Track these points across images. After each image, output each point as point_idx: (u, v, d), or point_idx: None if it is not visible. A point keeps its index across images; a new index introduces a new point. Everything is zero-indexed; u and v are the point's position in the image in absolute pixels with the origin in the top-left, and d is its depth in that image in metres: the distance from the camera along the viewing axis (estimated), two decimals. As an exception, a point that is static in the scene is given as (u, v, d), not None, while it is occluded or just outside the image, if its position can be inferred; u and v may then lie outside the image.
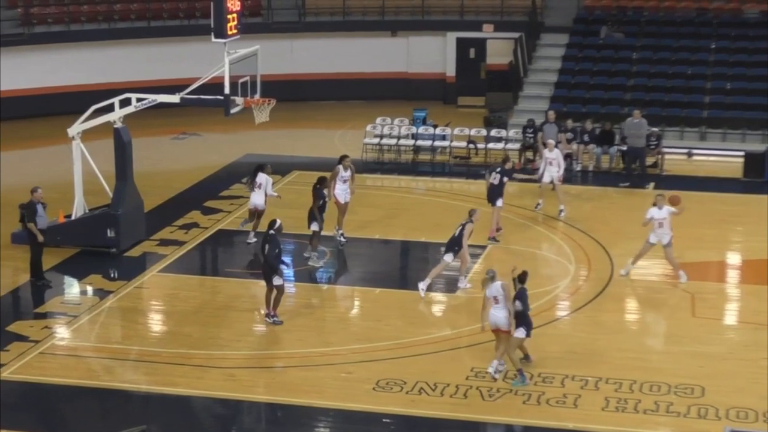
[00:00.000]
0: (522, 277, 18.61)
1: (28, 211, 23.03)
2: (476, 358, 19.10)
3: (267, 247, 20.48)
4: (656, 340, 20.43)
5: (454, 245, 22.30)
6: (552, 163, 27.52)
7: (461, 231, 22.32)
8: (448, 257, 22.45)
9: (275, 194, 25.66)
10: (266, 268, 20.64)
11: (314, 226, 24.05)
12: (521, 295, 18.36)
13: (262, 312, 21.03)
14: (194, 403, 17.98)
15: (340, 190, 24.99)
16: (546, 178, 27.49)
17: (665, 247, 23.01)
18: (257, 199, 25.17)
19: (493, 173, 25.37)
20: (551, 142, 28.50)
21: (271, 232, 20.66)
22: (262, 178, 25.16)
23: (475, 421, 17.25)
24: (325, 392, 18.11)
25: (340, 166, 25.08)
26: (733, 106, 35.25)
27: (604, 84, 36.95)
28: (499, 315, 18.25)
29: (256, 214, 25.30)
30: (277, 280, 20.55)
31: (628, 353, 19.57)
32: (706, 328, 20.81)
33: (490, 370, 18.31)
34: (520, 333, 18.24)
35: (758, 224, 27.14)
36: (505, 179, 25.49)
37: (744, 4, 39.55)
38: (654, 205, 23.20)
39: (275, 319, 20.73)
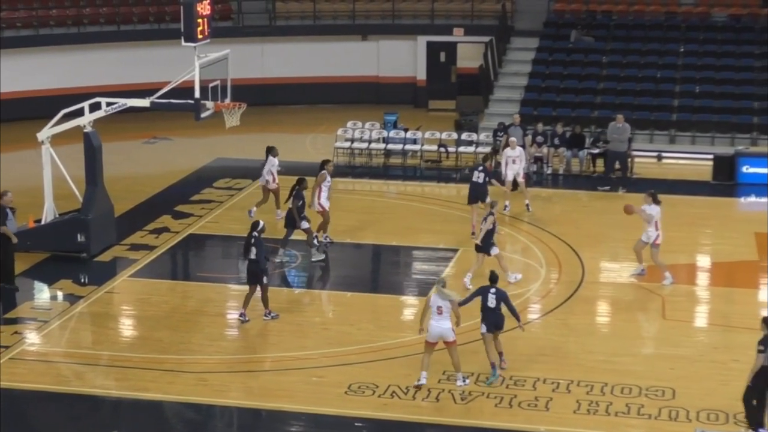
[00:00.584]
0: (492, 278, 18.65)
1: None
2: (448, 363, 19.08)
3: (254, 249, 20.76)
4: (627, 342, 20.49)
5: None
6: (515, 162, 27.88)
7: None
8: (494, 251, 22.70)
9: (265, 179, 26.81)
10: (255, 268, 20.85)
11: (304, 225, 24.11)
12: (499, 296, 18.58)
13: (241, 312, 21.11)
14: (166, 408, 17.91)
15: (326, 197, 24.91)
16: (509, 176, 27.70)
17: (651, 247, 23.23)
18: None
19: (476, 172, 25.48)
20: (513, 140, 28.77)
21: (256, 234, 20.94)
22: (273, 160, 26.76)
23: (448, 425, 17.25)
24: (297, 396, 18.09)
25: (326, 172, 24.94)
26: (701, 110, 35.46)
27: (574, 87, 37.10)
28: (444, 326, 18.01)
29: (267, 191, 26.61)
30: (265, 279, 20.89)
31: (599, 356, 19.64)
32: (676, 331, 20.92)
33: (459, 383, 18.30)
34: (482, 328, 18.53)
35: (727, 227, 27.34)
36: (488, 178, 25.63)
37: (712, 8, 39.82)
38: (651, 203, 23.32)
39: (273, 315, 21.04)
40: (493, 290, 18.73)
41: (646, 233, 23.15)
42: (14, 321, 21.26)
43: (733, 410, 17.39)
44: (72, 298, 22.43)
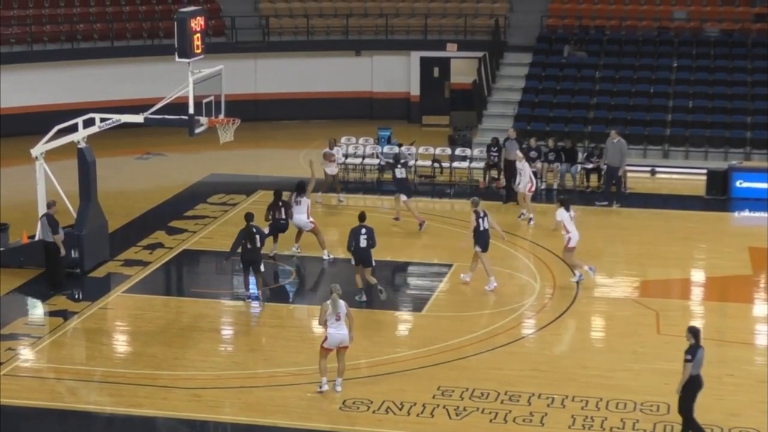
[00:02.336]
0: (361, 217, 22.79)
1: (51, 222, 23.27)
2: (442, 378, 19.10)
3: (257, 237, 22.61)
4: (622, 357, 20.48)
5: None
6: (522, 174, 28.34)
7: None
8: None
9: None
10: (256, 256, 22.63)
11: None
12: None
13: (250, 294, 22.84)
14: (159, 424, 17.86)
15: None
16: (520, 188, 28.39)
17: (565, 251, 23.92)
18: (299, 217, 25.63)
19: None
20: (520, 154, 28.98)
21: (253, 224, 22.71)
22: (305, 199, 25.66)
23: (442, 440, 17.25)
24: (291, 412, 18.05)
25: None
26: (695, 124, 35.55)
27: (567, 102, 37.16)
28: (342, 333, 18.37)
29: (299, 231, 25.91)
30: (262, 267, 22.84)
31: (593, 371, 19.63)
32: (670, 345, 20.85)
33: (338, 388, 18.54)
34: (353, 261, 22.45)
35: (721, 241, 27.36)
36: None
37: (704, 23, 39.93)
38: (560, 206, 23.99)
39: (262, 300, 22.65)
40: (363, 231, 22.22)
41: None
42: (8, 337, 21.19)
43: (727, 425, 17.40)
44: (66, 314, 22.37)
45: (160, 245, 26.70)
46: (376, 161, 33.97)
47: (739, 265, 25.49)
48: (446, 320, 21.97)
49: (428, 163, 33.74)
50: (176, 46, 23.72)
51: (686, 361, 16.68)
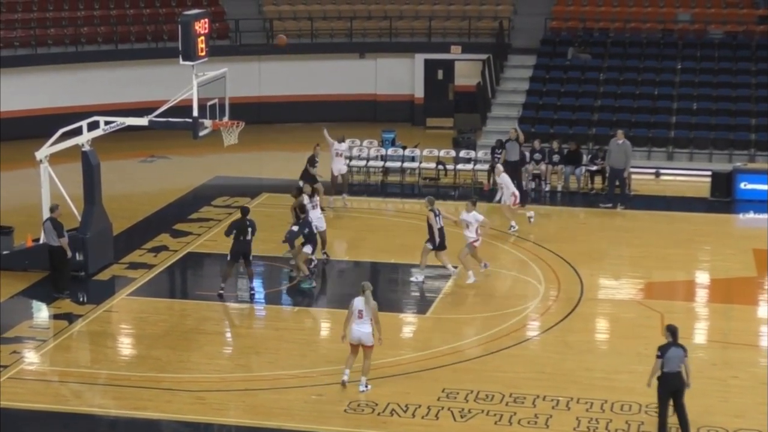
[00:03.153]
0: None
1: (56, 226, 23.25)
2: (447, 380, 19.10)
3: (249, 230, 22.95)
4: (626, 359, 20.46)
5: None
6: (502, 188, 28.36)
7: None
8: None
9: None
10: (247, 249, 23.00)
11: (307, 249, 24.35)
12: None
13: (222, 286, 23.02)
14: (163, 426, 17.86)
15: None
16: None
17: (465, 247, 23.99)
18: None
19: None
20: (500, 167, 29.04)
21: (249, 218, 23.05)
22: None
23: (447, 443, 17.24)
24: (296, 415, 18.05)
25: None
26: (699, 126, 35.53)
27: (571, 105, 37.16)
28: (364, 330, 18.45)
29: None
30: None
31: (598, 373, 19.62)
32: (675, 347, 20.86)
33: (361, 388, 18.61)
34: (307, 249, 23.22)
35: (725, 243, 27.34)
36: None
37: (708, 25, 39.91)
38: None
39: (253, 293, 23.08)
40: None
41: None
42: (13, 340, 21.20)
43: (732, 427, 17.38)
44: (70, 317, 22.39)
45: (165, 248, 26.71)
46: (380, 163, 33.97)
47: (744, 267, 25.46)
48: (451, 322, 21.97)
49: (432, 165, 33.74)
50: (180, 49, 23.73)
51: (656, 357, 16.86)
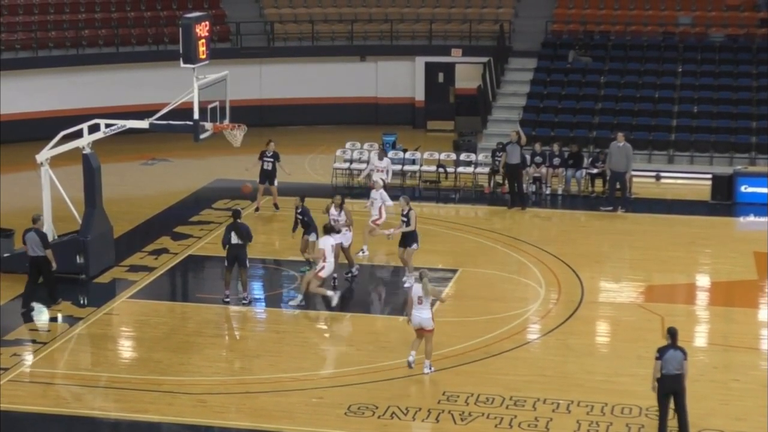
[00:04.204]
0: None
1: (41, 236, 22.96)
2: (447, 383, 19.10)
3: (234, 233, 22.71)
4: (627, 362, 20.46)
5: None
6: (373, 204, 26.86)
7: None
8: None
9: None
10: (241, 252, 22.79)
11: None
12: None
13: (226, 293, 22.75)
14: (164, 429, 17.87)
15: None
16: None
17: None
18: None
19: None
20: (379, 181, 27.82)
21: (240, 220, 22.89)
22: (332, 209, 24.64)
23: (447, 445, 17.25)
24: (297, 417, 18.06)
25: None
26: (700, 129, 35.53)
27: (572, 108, 37.16)
28: (424, 315, 18.99)
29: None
30: (247, 263, 22.97)
31: (599, 376, 19.62)
32: (676, 350, 20.86)
33: (426, 370, 19.18)
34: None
35: (726, 246, 27.34)
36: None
37: (709, 28, 39.91)
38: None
39: (249, 298, 22.60)
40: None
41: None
42: (13, 343, 21.20)
43: (733, 429, 17.38)
44: (71, 320, 22.39)
45: (166, 251, 26.72)
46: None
47: (744, 270, 25.47)
48: (451, 325, 21.93)
49: (433, 168, 33.72)
50: (181, 51, 23.75)
51: (655, 359, 17.00)
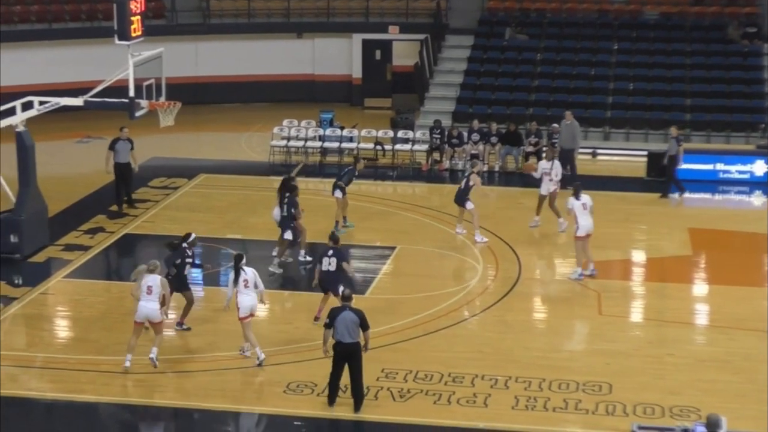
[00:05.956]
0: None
1: None
2: (386, 360, 19.13)
3: (181, 260, 20.47)
4: (564, 338, 20.65)
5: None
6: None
7: (466, 182, 24.94)
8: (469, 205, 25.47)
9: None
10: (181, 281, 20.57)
11: (288, 235, 23.69)
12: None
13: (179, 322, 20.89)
14: (101, 409, 17.76)
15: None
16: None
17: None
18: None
19: (325, 258, 20.82)
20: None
21: (186, 245, 20.66)
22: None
23: (387, 422, 17.26)
24: (236, 396, 18.01)
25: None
26: (635, 107, 35.84)
27: (508, 85, 37.29)
28: (152, 306, 18.46)
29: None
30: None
31: (536, 352, 19.75)
32: (612, 326, 21.09)
33: (152, 356, 18.59)
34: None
35: (661, 223, 27.62)
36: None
37: (643, 6, 40.21)
38: None
39: (185, 327, 20.71)
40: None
41: None
42: (-54, 324, 20.94)
43: (668, 404, 17.59)
44: (5, 300, 22.12)
45: (101, 229, 26.49)
46: (318, 144, 33.90)
47: (679, 246, 25.76)
48: (390, 303, 22.00)
49: (371, 145, 33.72)
50: (116, 28, 23.52)
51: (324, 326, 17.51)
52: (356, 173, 26.63)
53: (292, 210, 23.66)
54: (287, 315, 21.83)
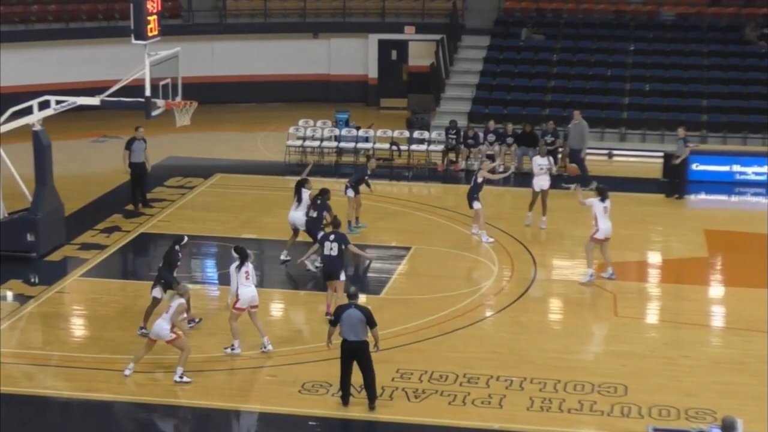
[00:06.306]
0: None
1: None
2: (401, 360, 19.13)
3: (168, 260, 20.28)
4: (579, 339, 20.61)
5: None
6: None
7: (474, 181, 24.98)
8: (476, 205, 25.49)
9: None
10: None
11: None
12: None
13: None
14: (116, 408, 17.78)
15: None
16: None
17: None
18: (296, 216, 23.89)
19: (327, 242, 20.98)
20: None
21: (177, 248, 20.57)
22: (305, 194, 23.79)
23: (401, 423, 17.25)
24: (250, 396, 18.03)
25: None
26: (651, 107, 35.74)
27: (524, 86, 37.24)
28: (162, 326, 18.32)
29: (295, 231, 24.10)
30: (156, 292, 20.17)
31: (551, 353, 19.72)
32: (627, 327, 21.04)
33: (176, 378, 18.39)
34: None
35: (677, 224, 27.55)
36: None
37: (660, 7, 40.12)
38: None
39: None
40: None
41: None
42: (-37, 322, 21.01)
43: (684, 406, 17.54)
44: (22, 299, 22.19)
45: (118, 228, 26.55)
46: (333, 144, 33.92)
47: (695, 247, 25.69)
48: (405, 303, 22.00)
49: (386, 146, 33.72)
50: (132, 27, 23.57)
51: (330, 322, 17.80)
52: (368, 172, 26.59)
53: (324, 213, 23.35)
54: (302, 315, 21.83)
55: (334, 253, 20.63)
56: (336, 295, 20.56)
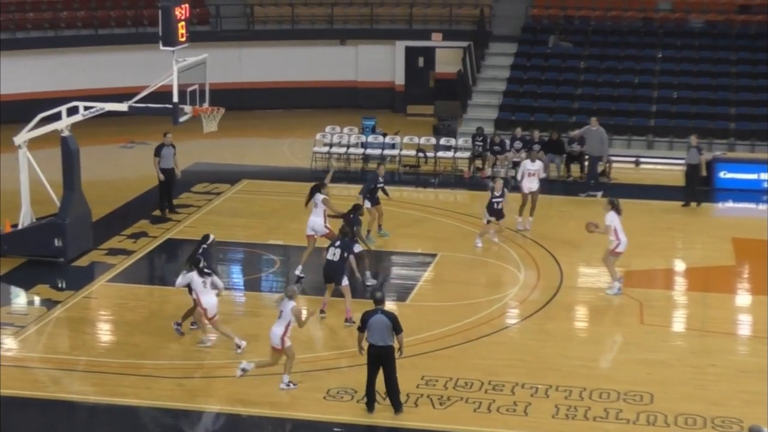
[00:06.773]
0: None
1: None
2: (425, 367, 19.13)
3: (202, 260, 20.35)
4: (605, 347, 20.55)
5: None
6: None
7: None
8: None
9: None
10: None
11: (357, 248, 22.73)
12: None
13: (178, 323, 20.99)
14: (143, 413, 17.83)
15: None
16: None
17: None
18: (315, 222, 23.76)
19: (332, 248, 21.47)
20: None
21: (205, 246, 20.95)
22: (318, 198, 23.73)
23: (426, 429, 17.22)
24: (275, 402, 18.05)
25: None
26: (679, 115, 35.61)
27: (551, 93, 37.18)
28: (275, 331, 18.21)
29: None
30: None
31: (577, 361, 19.67)
32: (653, 336, 20.97)
33: (282, 386, 18.41)
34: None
35: (704, 232, 27.42)
36: (347, 254, 23.20)
37: (689, 14, 39.99)
38: None
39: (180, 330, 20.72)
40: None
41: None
42: (-9, 326, 21.13)
43: (710, 415, 17.46)
44: (49, 303, 22.31)
45: (144, 234, 26.65)
46: (360, 151, 33.95)
47: (723, 255, 25.57)
48: (430, 310, 22.00)
49: (412, 152, 33.73)
50: (160, 34, 23.66)
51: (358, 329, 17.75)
52: (380, 179, 26.20)
53: (355, 228, 23.07)
54: (327, 321, 21.86)
55: (336, 258, 21.06)
56: (347, 299, 21.22)
